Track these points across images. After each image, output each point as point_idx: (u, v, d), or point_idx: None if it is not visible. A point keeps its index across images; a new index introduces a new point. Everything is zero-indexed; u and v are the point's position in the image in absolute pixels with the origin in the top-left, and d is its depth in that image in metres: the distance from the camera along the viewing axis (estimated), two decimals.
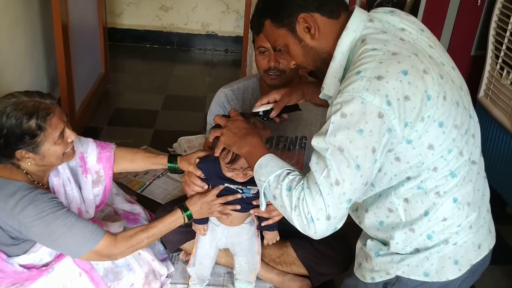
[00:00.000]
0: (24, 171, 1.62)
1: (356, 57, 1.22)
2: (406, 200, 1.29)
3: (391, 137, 1.18)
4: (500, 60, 2.70)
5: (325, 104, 1.67)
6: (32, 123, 1.53)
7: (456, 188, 1.28)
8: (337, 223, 1.20)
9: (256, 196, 1.74)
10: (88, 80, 3.54)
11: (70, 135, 1.63)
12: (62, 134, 1.61)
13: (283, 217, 1.81)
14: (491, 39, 2.77)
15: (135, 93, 4.01)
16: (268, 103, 1.59)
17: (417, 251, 1.33)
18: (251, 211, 1.78)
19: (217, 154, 1.58)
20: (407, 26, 1.30)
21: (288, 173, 1.26)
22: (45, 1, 3.08)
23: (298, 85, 1.64)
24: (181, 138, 3.20)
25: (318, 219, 1.17)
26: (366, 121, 1.14)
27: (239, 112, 1.58)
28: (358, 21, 1.27)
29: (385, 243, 1.39)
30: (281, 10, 1.29)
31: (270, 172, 1.28)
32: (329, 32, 1.29)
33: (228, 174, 1.68)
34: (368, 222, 1.40)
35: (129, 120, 3.57)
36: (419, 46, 1.26)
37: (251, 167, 1.36)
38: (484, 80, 2.84)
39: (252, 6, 3.61)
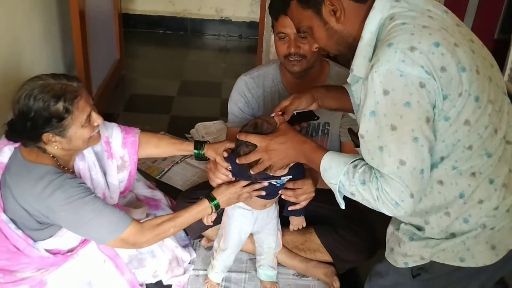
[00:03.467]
0: (51, 155, 1.60)
1: (385, 34, 1.22)
2: (440, 182, 1.27)
3: (435, 108, 1.17)
4: None
5: (339, 109, 1.66)
6: (60, 106, 1.51)
7: (492, 168, 1.25)
8: (422, 195, 1.24)
9: (289, 180, 1.72)
10: (104, 67, 3.51)
11: (96, 118, 1.61)
12: (88, 118, 1.59)
13: (309, 203, 1.81)
14: None
15: (150, 79, 3.98)
16: (281, 111, 1.58)
17: (453, 236, 1.31)
18: (279, 192, 1.75)
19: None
20: (432, 7, 1.29)
21: (355, 166, 1.27)
22: None
23: (307, 90, 1.64)
24: (199, 124, 3.18)
25: (402, 201, 1.18)
26: (410, 93, 1.13)
27: (243, 126, 1.57)
28: (384, 1, 1.26)
29: (420, 228, 1.37)
30: None
31: (337, 173, 1.29)
32: (355, 16, 1.28)
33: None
34: None
35: (145, 106, 3.55)
36: (447, 23, 1.25)
37: (316, 170, 1.37)
38: (509, 65, 2.78)
39: None
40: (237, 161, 1.56)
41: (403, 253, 1.40)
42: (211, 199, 1.71)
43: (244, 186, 1.69)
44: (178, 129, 3.15)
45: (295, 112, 1.59)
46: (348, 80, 1.36)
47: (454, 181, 1.26)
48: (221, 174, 1.72)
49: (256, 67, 2.15)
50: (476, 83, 1.19)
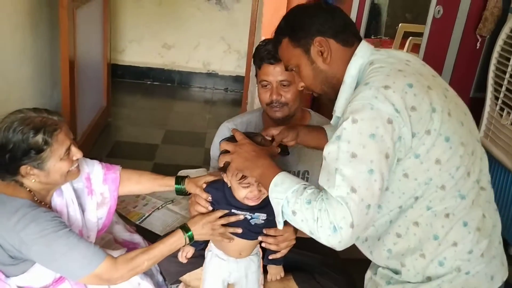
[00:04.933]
0: (28, 189, 1.59)
1: (365, 76, 1.30)
2: (416, 223, 1.29)
3: (401, 146, 1.21)
4: (499, 101, 2.74)
5: (316, 147, 1.72)
6: (39, 138, 1.52)
7: (465, 211, 1.28)
8: (361, 232, 1.20)
9: (266, 224, 1.71)
10: (90, 113, 3.56)
11: (76, 152, 1.62)
12: (68, 151, 1.60)
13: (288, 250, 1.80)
14: (490, 81, 2.82)
15: (135, 127, 4.03)
16: (270, 137, 1.66)
17: (429, 279, 1.32)
18: (260, 238, 1.74)
19: (228, 178, 1.60)
20: (410, 58, 1.38)
21: (305, 188, 1.26)
22: (53, 32, 3.13)
23: (294, 125, 1.72)
24: (181, 171, 3.17)
25: (341, 228, 1.16)
26: (377, 126, 1.17)
27: (244, 133, 1.59)
28: (366, 49, 1.36)
29: (396, 272, 1.37)
30: (300, 30, 1.37)
31: (287, 188, 1.28)
32: (340, 58, 1.36)
33: (243, 194, 1.63)
34: (378, 252, 1.39)
35: (128, 153, 3.58)
36: (423, 72, 1.33)
37: (265, 188, 1.35)
38: (484, 121, 2.88)
39: (254, 46, 3.67)
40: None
41: None
42: (186, 230, 1.69)
43: (220, 218, 1.69)
44: None
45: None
46: (331, 122, 1.41)
47: (429, 222, 1.28)
48: (201, 206, 1.73)
49: (239, 115, 2.20)
50: (447, 124, 1.24)
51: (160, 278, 2.12)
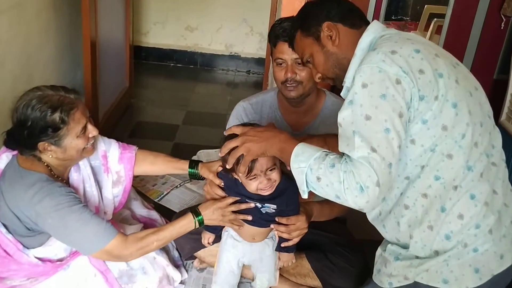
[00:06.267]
0: (45, 164, 1.65)
1: (375, 46, 1.34)
2: (424, 195, 1.31)
3: (411, 106, 1.24)
4: None
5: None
6: (56, 116, 1.57)
7: (473, 183, 1.29)
8: (386, 192, 1.22)
9: (277, 212, 1.72)
10: (112, 93, 3.61)
11: (91, 130, 1.67)
12: (84, 129, 1.64)
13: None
14: None
15: (157, 108, 4.08)
16: None
17: (436, 253, 1.33)
18: (272, 226, 1.75)
19: (238, 175, 1.60)
20: (421, 39, 1.40)
21: (327, 154, 1.28)
22: (76, 12, 3.17)
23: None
24: (201, 151, 3.22)
25: (368, 187, 1.17)
26: (386, 87, 1.21)
27: (239, 124, 1.63)
28: (377, 26, 1.41)
29: (405, 246, 1.38)
30: (309, 19, 1.45)
31: (308, 156, 1.29)
32: (349, 39, 1.42)
33: (254, 186, 1.62)
34: (390, 224, 1.41)
35: (150, 133, 3.63)
36: (432, 45, 1.37)
37: (286, 161, 1.35)
38: (507, 104, 2.81)
39: None
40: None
41: (389, 273, 1.42)
42: (196, 214, 1.72)
43: (231, 204, 1.70)
44: (181, 155, 3.11)
45: None
46: (341, 94, 1.42)
47: (438, 195, 1.29)
48: (214, 193, 1.75)
49: (254, 94, 2.21)
50: (454, 91, 1.26)
51: (176, 254, 2.18)
